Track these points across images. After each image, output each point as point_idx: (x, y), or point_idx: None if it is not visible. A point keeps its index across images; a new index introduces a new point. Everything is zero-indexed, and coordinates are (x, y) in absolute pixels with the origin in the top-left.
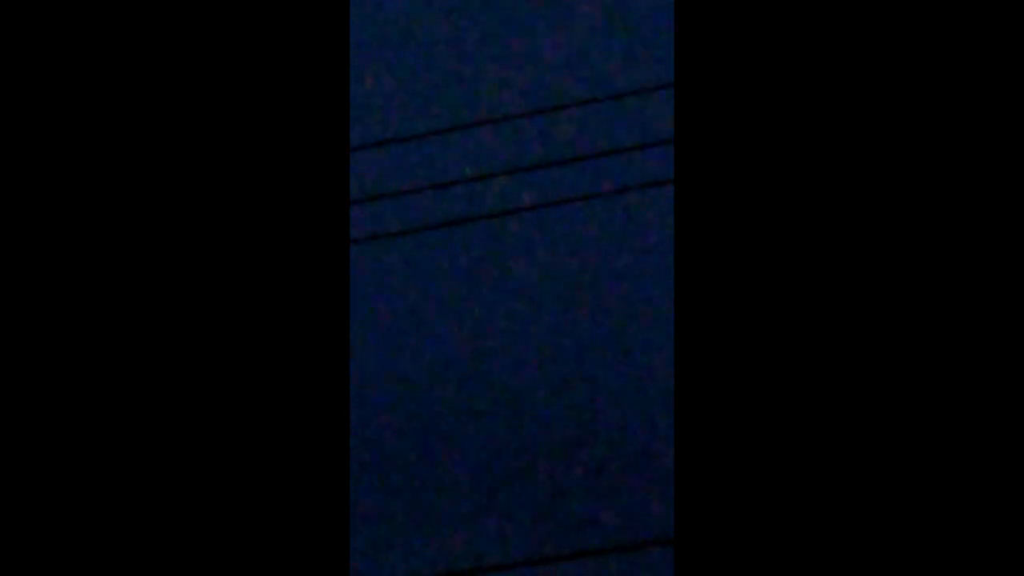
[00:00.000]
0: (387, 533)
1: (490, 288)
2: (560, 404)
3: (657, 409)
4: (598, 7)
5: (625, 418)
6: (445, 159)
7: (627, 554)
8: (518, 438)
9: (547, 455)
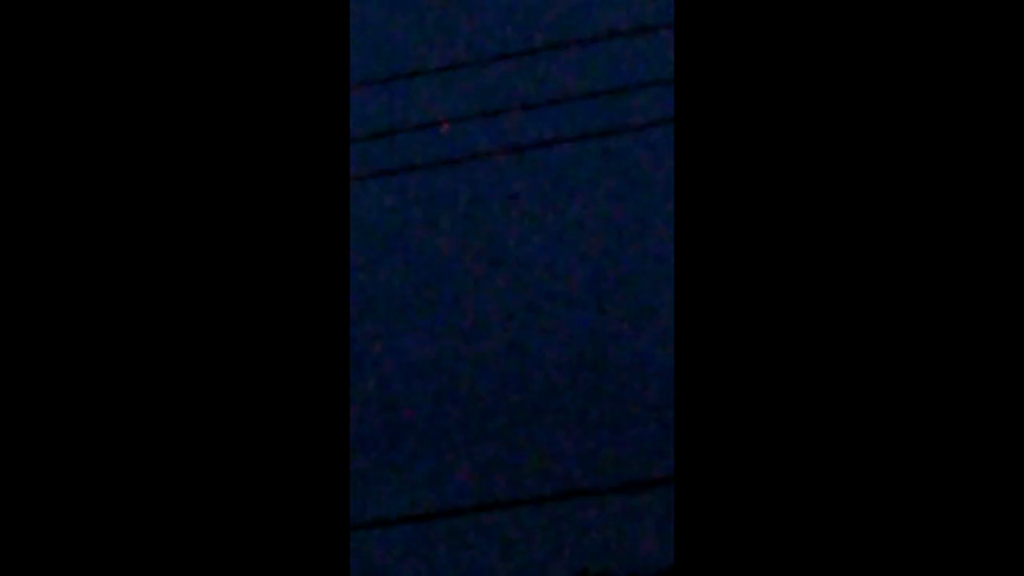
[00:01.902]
0: (387, 470)
1: (490, 228)
2: (559, 344)
3: (656, 348)
4: None
5: (624, 358)
6: (445, 97)
7: (627, 493)
8: (517, 377)
9: (546, 394)
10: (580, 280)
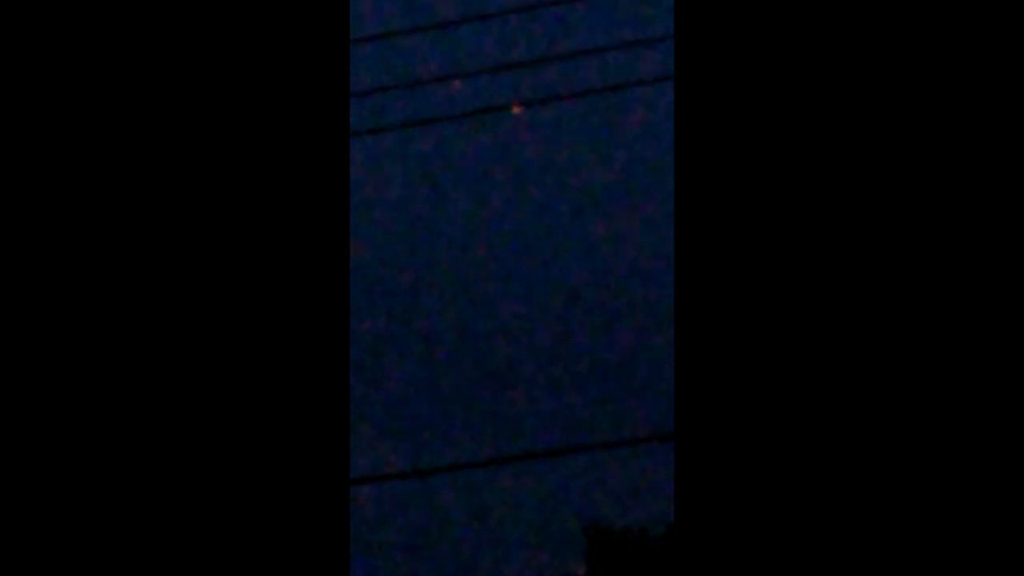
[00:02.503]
0: (389, 428)
1: (490, 182)
2: (560, 298)
3: (656, 303)
4: None
5: (624, 313)
6: (446, 53)
7: (628, 449)
8: (518, 332)
9: (547, 351)
10: (582, 235)
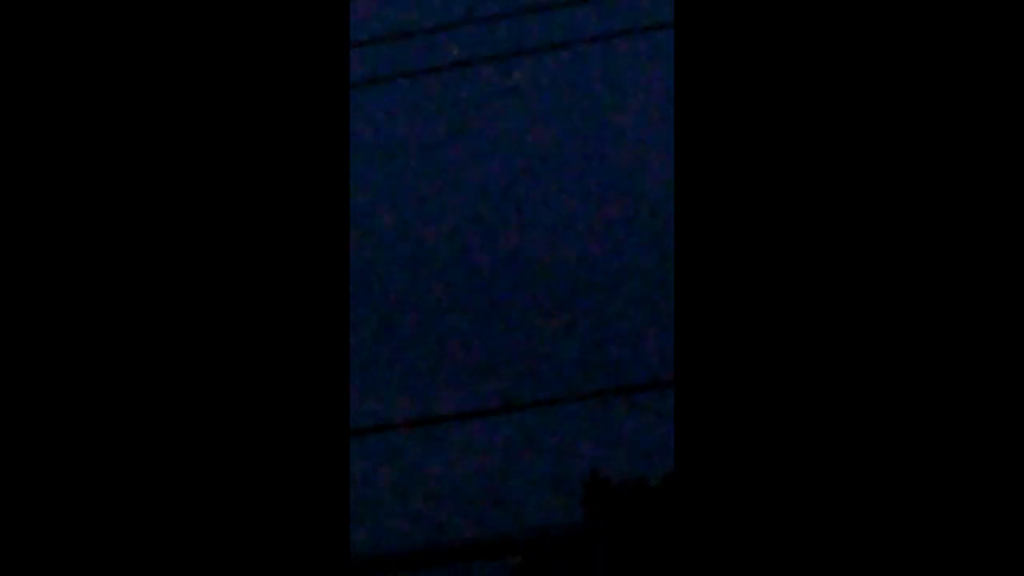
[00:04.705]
0: (389, 378)
1: (491, 131)
2: (560, 247)
3: (657, 251)
4: None
5: (624, 261)
6: (446, 2)
7: (626, 396)
8: (518, 282)
9: (546, 300)
10: (580, 184)
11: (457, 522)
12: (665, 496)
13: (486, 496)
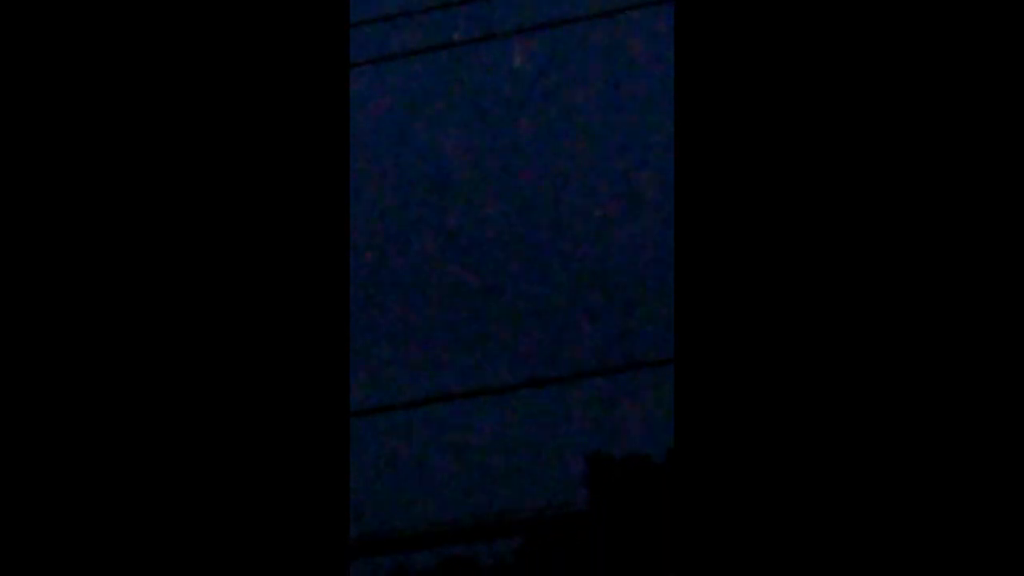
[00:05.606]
0: (388, 358)
1: (491, 112)
2: (560, 227)
3: (657, 231)
4: None
5: (625, 242)
6: None
7: (627, 374)
8: (518, 261)
9: (547, 279)
10: (582, 166)
11: (455, 502)
12: (666, 475)
13: (486, 476)
